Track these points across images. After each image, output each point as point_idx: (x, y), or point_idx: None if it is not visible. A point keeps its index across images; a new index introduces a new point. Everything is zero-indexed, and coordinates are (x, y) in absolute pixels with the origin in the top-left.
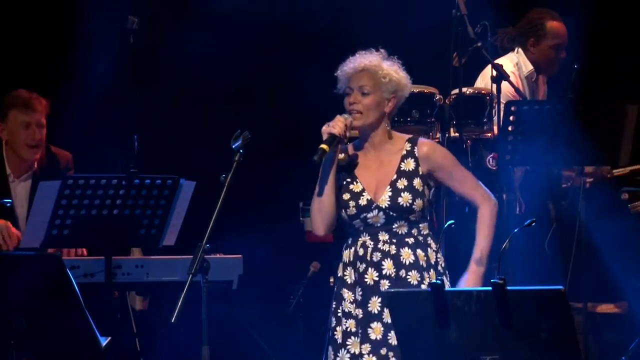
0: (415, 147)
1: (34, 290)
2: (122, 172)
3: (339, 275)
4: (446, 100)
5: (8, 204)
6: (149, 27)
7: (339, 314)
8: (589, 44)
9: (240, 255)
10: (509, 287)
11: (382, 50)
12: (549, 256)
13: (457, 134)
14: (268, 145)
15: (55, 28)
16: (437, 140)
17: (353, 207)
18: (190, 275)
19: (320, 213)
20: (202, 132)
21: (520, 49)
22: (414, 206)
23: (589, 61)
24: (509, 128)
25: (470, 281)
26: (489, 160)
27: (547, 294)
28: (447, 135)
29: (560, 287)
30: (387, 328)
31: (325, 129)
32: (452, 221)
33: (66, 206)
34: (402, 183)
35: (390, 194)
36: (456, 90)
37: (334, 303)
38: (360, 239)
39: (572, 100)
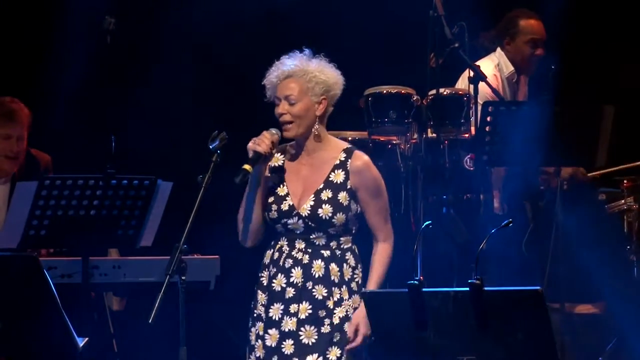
0: (349, 160)
1: (10, 290)
2: (99, 172)
3: (258, 275)
4: (423, 101)
5: None
6: (127, 26)
7: (255, 315)
8: (565, 45)
9: (217, 256)
10: (486, 288)
11: (306, 51)
12: (526, 257)
13: (434, 135)
14: (245, 144)
15: (31, 28)
16: (414, 141)
17: (275, 210)
18: (168, 276)
19: (245, 227)
20: (180, 132)
21: (500, 49)
22: (334, 220)
23: (566, 62)
24: (487, 129)
25: (360, 314)
26: (466, 160)
27: (525, 294)
28: (424, 136)
29: (538, 287)
30: (283, 336)
31: (251, 146)
32: (429, 222)
33: (43, 207)
34: (326, 194)
35: (312, 203)
36: (433, 91)
37: (252, 303)
38: (279, 242)
39: (549, 101)
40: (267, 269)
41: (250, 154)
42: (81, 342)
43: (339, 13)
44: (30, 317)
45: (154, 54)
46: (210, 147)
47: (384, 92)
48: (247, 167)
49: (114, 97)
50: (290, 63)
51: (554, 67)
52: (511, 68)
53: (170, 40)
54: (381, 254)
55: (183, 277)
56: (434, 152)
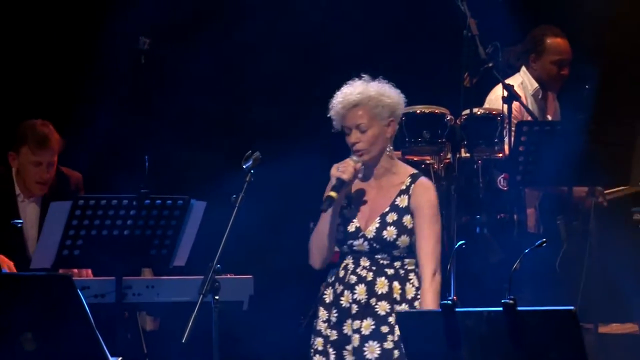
0: (413, 185)
1: (44, 310)
2: (133, 192)
3: (320, 293)
4: (457, 121)
5: (19, 225)
6: (159, 46)
7: (315, 331)
8: (599, 64)
9: (250, 276)
10: (519, 308)
11: (364, 77)
12: (560, 276)
13: (468, 155)
14: (279, 166)
15: (66, 48)
16: (447, 161)
17: (341, 232)
18: (201, 296)
19: (319, 249)
20: (213, 152)
21: (524, 68)
22: (397, 242)
23: (600, 81)
24: (520, 148)
25: None
26: (500, 180)
27: (558, 314)
28: (458, 155)
29: (571, 307)
30: (354, 353)
31: (335, 173)
32: (463, 242)
33: (77, 226)
34: (391, 217)
35: (377, 225)
36: (467, 111)
37: (315, 320)
38: (344, 261)
39: (583, 121)
40: (331, 287)
41: (334, 181)
42: None
43: (373, 34)
44: (63, 336)
45: (187, 72)
46: (244, 166)
47: (418, 111)
48: (332, 194)
49: (148, 116)
50: (354, 91)
51: (588, 86)
52: (535, 85)
53: (202, 60)
54: (426, 296)
55: (216, 297)
56: (468, 172)
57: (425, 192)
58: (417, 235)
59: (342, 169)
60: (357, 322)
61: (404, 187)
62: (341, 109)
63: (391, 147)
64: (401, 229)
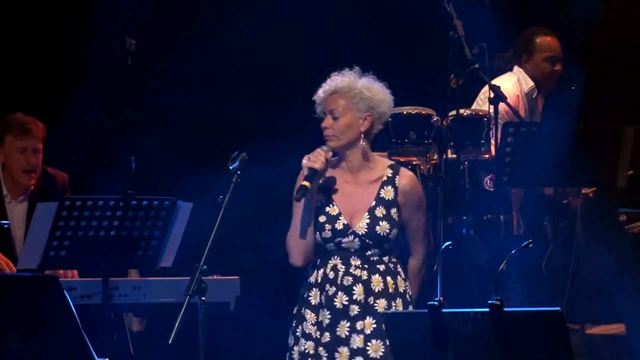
0: (397, 176)
1: (30, 311)
2: (120, 193)
3: (302, 295)
4: (444, 122)
5: (6, 226)
6: (147, 47)
7: (298, 334)
8: (587, 65)
9: (237, 277)
10: (506, 309)
11: (356, 68)
12: (546, 277)
13: (454, 156)
14: (264, 166)
15: (53, 49)
16: (434, 162)
17: (329, 230)
18: (188, 297)
19: (298, 245)
20: (200, 153)
21: (517, 67)
22: (390, 235)
23: (587, 82)
24: (507, 149)
25: None
26: (486, 181)
27: (545, 315)
28: (444, 156)
29: (558, 308)
30: (353, 353)
31: (306, 163)
32: (449, 243)
33: (63, 227)
34: (380, 211)
35: (368, 221)
36: (454, 112)
37: (294, 322)
38: (330, 261)
39: (569, 122)
40: (316, 288)
41: (306, 171)
42: None
43: (359, 34)
44: (50, 337)
45: (174, 73)
46: (230, 167)
47: (405, 112)
48: (305, 183)
49: (134, 117)
50: (338, 79)
51: (574, 87)
52: (531, 83)
53: (188, 60)
54: (414, 269)
55: (203, 298)
56: (454, 173)
57: (413, 188)
58: (407, 226)
59: (313, 159)
60: (360, 322)
61: (385, 178)
62: (322, 93)
63: (364, 143)
64: (392, 222)
